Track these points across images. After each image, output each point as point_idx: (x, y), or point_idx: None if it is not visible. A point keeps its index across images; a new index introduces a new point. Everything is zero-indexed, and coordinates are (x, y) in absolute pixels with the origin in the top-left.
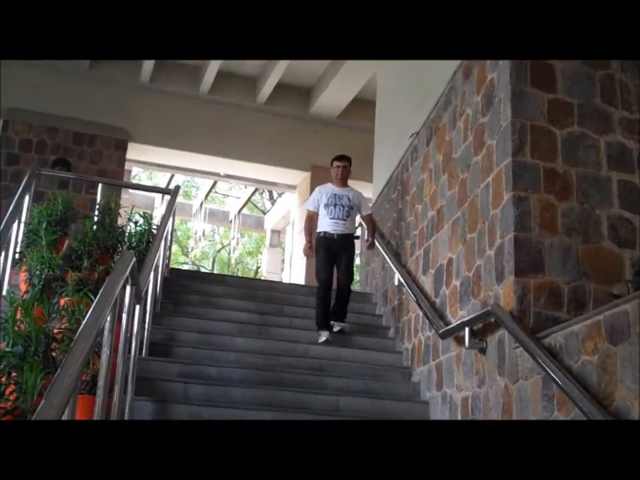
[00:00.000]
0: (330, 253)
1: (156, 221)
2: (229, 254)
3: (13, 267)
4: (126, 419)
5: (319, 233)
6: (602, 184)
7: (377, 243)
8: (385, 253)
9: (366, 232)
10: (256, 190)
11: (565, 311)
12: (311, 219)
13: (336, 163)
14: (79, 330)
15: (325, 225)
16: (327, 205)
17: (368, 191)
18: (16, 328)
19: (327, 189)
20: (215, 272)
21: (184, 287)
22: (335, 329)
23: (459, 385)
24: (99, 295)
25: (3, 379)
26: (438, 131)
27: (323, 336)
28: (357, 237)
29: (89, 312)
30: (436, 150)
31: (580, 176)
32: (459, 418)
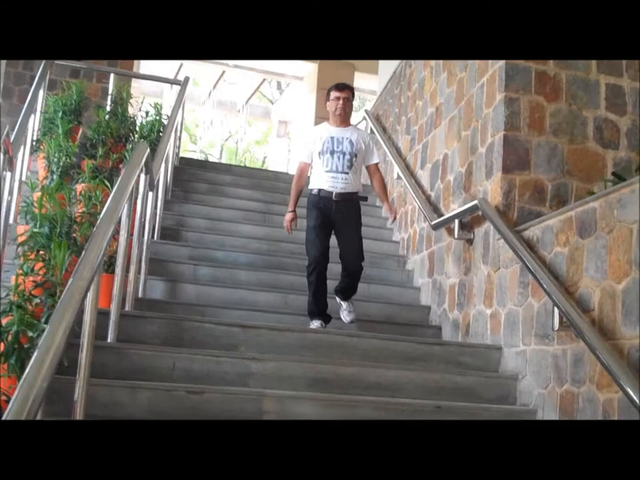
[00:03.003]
0: (326, 218)
1: (166, 111)
2: (236, 143)
3: (31, 154)
4: (139, 296)
5: (311, 190)
6: (590, 86)
7: (377, 136)
8: (386, 146)
9: (376, 194)
10: (264, 80)
11: (547, 206)
12: (302, 175)
13: (334, 94)
14: (102, 214)
15: (320, 180)
16: (321, 153)
17: (374, 83)
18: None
19: (322, 131)
20: (223, 161)
21: (193, 176)
22: (346, 318)
23: (447, 272)
24: (117, 183)
25: (32, 256)
26: None
27: (313, 325)
28: (364, 199)
29: (109, 199)
30: None
31: (570, 78)
32: (446, 303)
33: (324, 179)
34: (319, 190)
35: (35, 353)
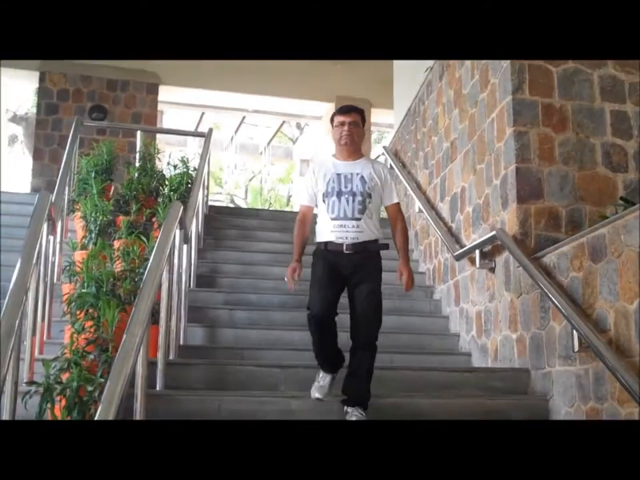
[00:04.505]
0: (336, 271)
1: (191, 158)
2: (260, 183)
3: (67, 214)
4: (182, 343)
5: (318, 244)
6: (596, 114)
7: (397, 172)
8: (406, 181)
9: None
10: (284, 122)
11: (563, 232)
12: (304, 220)
13: (338, 119)
14: (145, 275)
15: (326, 230)
16: (326, 195)
17: (391, 117)
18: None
19: (326, 166)
20: (249, 201)
21: (223, 223)
22: (351, 418)
23: (473, 301)
24: (157, 243)
25: (81, 314)
26: (449, 67)
27: (316, 390)
28: (385, 246)
29: (151, 259)
30: (448, 85)
31: (575, 108)
32: (474, 330)
33: (330, 229)
34: (326, 243)
35: (100, 406)
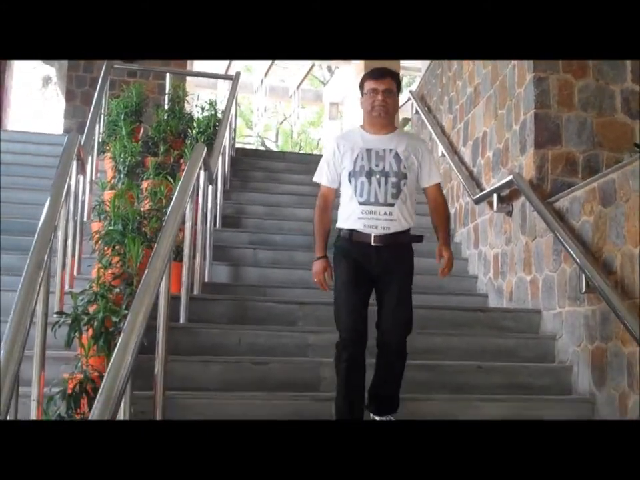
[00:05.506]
0: (362, 272)
1: (220, 101)
2: (291, 126)
3: (98, 155)
4: (206, 280)
5: (339, 232)
6: (616, 61)
7: (423, 116)
8: (431, 125)
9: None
10: (314, 65)
11: (580, 177)
12: (326, 206)
13: (370, 85)
14: (167, 213)
15: (352, 216)
16: (353, 175)
17: (418, 61)
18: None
19: (354, 140)
20: (279, 144)
21: (249, 165)
22: (376, 418)
23: (491, 243)
24: (179, 183)
25: (109, 251)
26: None
27: None
28: (419, 239)
29: (174, 198)
30: None
31: None
32: (491, 272)
33: (357, 215)
34: (351, 232)
35: (121, 335)
